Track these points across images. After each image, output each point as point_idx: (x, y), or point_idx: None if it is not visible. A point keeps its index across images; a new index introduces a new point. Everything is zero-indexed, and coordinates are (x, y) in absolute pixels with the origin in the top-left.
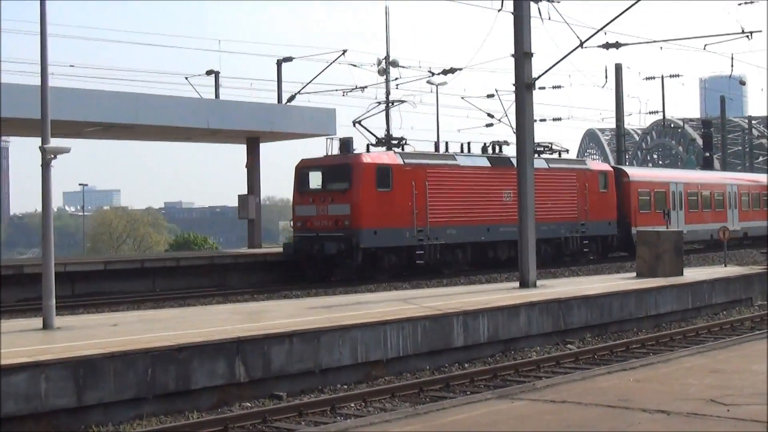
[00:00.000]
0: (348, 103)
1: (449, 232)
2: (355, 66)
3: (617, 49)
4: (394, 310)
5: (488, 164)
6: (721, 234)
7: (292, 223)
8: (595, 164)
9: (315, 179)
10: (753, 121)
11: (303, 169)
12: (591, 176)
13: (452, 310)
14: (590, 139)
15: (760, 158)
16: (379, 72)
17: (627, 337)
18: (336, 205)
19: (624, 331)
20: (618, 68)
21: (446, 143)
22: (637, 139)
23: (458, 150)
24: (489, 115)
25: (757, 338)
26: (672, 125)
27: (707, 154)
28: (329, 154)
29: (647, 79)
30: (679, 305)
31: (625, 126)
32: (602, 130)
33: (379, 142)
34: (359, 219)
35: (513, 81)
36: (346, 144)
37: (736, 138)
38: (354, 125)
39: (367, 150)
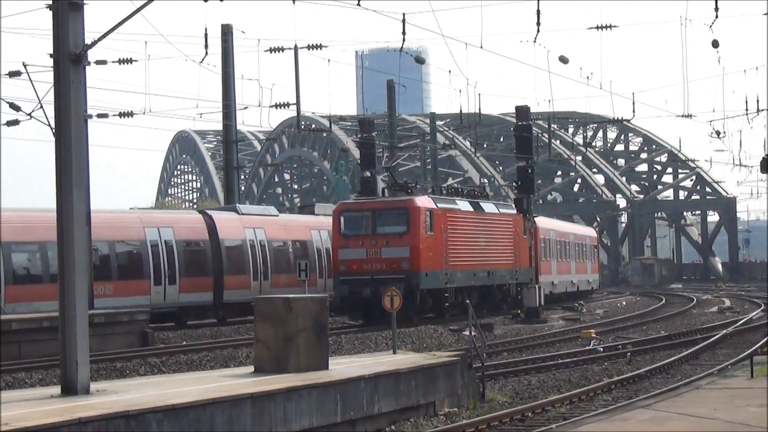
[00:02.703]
0: None
1: (459, 276)
2: None
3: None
4: None
5: (494, 210)
6: (387, 303)
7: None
8: (508, 208)
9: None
10: (438, 121)
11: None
12: (518, 221)
13: None
14: (182, 146)
15: (452, 179)
16: None
17: None
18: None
19: None
20: (227, 32)
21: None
22: (259, 148)
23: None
24: (12, 106)
25: None
26: (313, 126)
27: (368, 174)
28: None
29: (273, 50)
30: (323, 418)
31: (241, 127)
32: (203, 133)
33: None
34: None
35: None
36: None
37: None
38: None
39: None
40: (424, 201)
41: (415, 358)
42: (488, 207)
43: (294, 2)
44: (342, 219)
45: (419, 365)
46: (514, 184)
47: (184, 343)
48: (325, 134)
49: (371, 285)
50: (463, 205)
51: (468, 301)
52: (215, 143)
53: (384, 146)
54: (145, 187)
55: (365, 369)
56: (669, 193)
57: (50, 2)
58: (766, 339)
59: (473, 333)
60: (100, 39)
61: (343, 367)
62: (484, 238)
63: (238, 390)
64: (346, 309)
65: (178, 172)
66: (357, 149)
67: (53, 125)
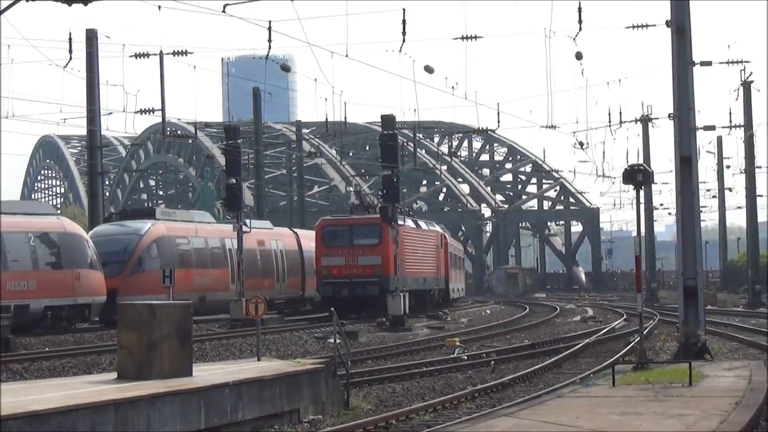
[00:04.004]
0: None
1: (409, 281)
2: None
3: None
4: None
5: (425, 227)
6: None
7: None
8: (432, 225)
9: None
10: (305, 129)
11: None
12: (438, 236)
13: None
14: (46, 151)
15: (317, 187)
16: None
17: None
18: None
19: None
20: (91, 36)
21: None
22: (124, 154)
23: None
24: None
25: None
26: (178, 133)
27: (233, 181)
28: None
29: (138, 56)
30: (187, 425)
31: (106, 132)
32: (67, 139)
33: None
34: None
35: None
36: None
37: (279, 155)
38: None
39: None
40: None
41: (279, 365)
42: (422, 224)
43: (159, 8)
44: (324, 232)
45: (284, 372)
46: (379, 192)
47: (47, 349)
48: (190, 141)
49: (349, 287)
50: (409, 222)
51: (333, 309)
52: (80, 148)
53: (250, 153)
54: (9, 193)
55: (229, 376)
56: (533, 203)
57: None
58: (627, 348)
59: (338, 341)
60: None
61: (207, 373)
62: (421, 250)
63: (101, 396)
64: (328, 306)
65: (42, 177)
66: (222, 156)
67: None
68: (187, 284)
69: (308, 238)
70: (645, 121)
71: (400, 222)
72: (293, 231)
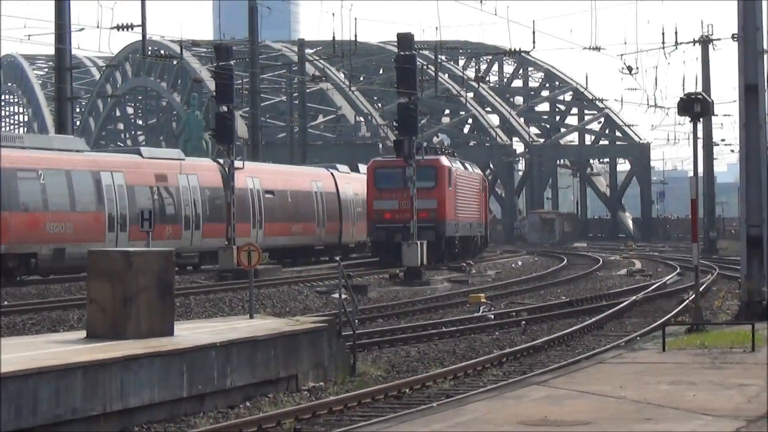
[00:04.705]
0: None
1: (461, 226)
2: None
3: None
4: None
5: (470, 168)
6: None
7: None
8: (475, 168)
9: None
10: (308, 49)
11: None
12: (481, 179)
13: None
14: (8, 72)
15: (322, 117)
16: None
17: None
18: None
19: None
20: None
21: None
22: (98, 77)
23: None
24: None
25: None
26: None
27: (224, 109)
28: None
29: None
30: (167, 392)
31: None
32: (32, 58)
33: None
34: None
35: None
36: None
37: (278, 79)
38: None
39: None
40: (445, 160)
41: (275, 323)
42: (468, 166)
43: None
44: (376, 174)
45: (280, 332)
46: (394, 123)
47: (6, 303)
48: (175, 62)
49: (403, 231)
50: (458, 164)
51: (338, 258)
52: (47, 70)
53: (244, 77)
54: None
55: (217, 336)
56: (573, 137)
57: None
58: (680, 307)
59: (344, 296)
60: None
61: (190, 333)
62: (470, 194)
63: (68, 358)
64: (380, 252)
65: (3, 103)
66: (212, 80)
67: None
68: (29, 232)
69: (343, 179)
70: (705, 42)
71: (448, 163)
72: (331, 172)
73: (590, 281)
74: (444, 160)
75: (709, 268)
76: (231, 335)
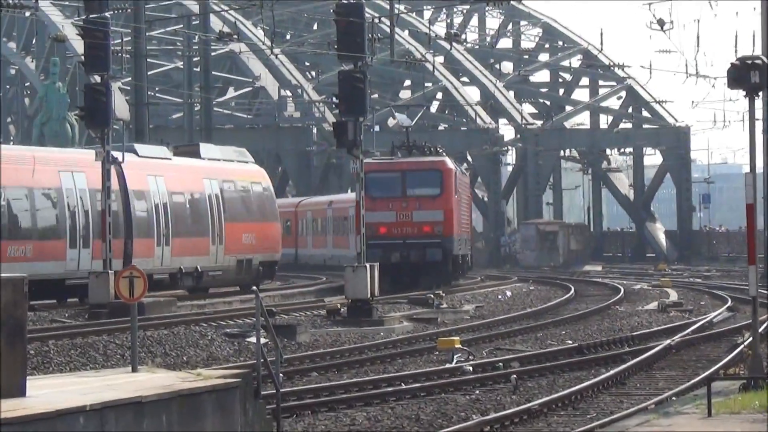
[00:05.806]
0: None
1: (461, 240)
2: None
3: None
4: None
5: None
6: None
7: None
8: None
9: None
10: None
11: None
12: (468, 181)
13: None
14: None
15: (233, 90)
16: None
17: None
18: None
19: None
20: None
21: None
22: None
23: None
24: None
25: None
26: (10, 2)
27: (96, 79)
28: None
29: None
30: None
31: None
32: None
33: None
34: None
35: None
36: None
37: (172, 38)
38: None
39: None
40: (450, 162)
41: (168, 379)
42: (460, 167)
43: None
44: (367, 179)
45: (174, 391)
46: (333, 99)
47: None
48: (27, 14)
49: (402, 250)
50: (451, 163)
51: (255, 288)
52: None
53: (125, 35)
54: None
55: (87, 395)
56: (584, 118)
57: None
58: (732, 354)
59: (263, 340)
60: None
61: (50, 391)
62: (465, 202)
63: None
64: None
65: None
66: (80, 39)
67: None
68: None
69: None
70: None
71: (453, 165)
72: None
73: (607, 319)
74: (449, 162)
75: None
76: (107, 395)
